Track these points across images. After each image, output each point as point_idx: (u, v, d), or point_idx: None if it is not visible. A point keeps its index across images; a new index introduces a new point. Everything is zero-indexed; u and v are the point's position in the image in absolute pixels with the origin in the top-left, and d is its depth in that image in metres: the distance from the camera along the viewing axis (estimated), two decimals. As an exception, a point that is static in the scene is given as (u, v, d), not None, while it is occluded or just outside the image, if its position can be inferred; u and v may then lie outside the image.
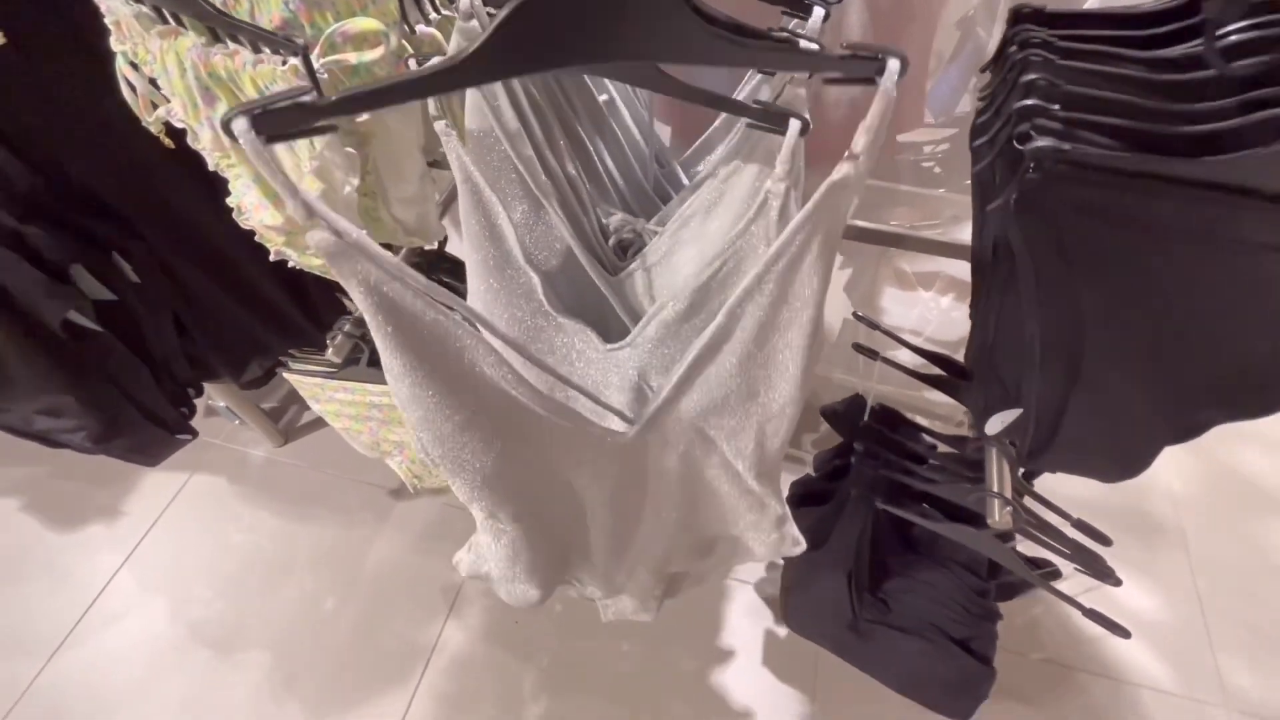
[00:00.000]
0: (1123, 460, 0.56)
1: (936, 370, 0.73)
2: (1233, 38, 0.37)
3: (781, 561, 1.07)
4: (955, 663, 0.79)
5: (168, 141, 0.61)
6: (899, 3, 0.64)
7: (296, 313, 1.00)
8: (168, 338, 0.90)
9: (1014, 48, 0.41)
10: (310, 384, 0.86)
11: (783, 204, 0.44)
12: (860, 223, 0.82)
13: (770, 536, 0.62)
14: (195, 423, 1.08)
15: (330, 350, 0.77)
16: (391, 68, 0.50)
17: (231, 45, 0.47)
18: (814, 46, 0.45)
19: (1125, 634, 0.66)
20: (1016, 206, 0.36)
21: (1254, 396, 0.44)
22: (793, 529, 0.62)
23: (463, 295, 0.96)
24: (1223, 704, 1.07)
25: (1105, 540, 0.70)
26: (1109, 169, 0.32)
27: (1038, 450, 0.53)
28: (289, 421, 1.49)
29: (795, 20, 0.52)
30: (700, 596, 1.22)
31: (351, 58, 0.46)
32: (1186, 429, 0.51)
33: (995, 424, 0.51)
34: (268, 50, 0.45)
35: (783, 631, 1.16)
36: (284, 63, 0.45)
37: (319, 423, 1.49)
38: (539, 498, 0.57)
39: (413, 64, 0.49)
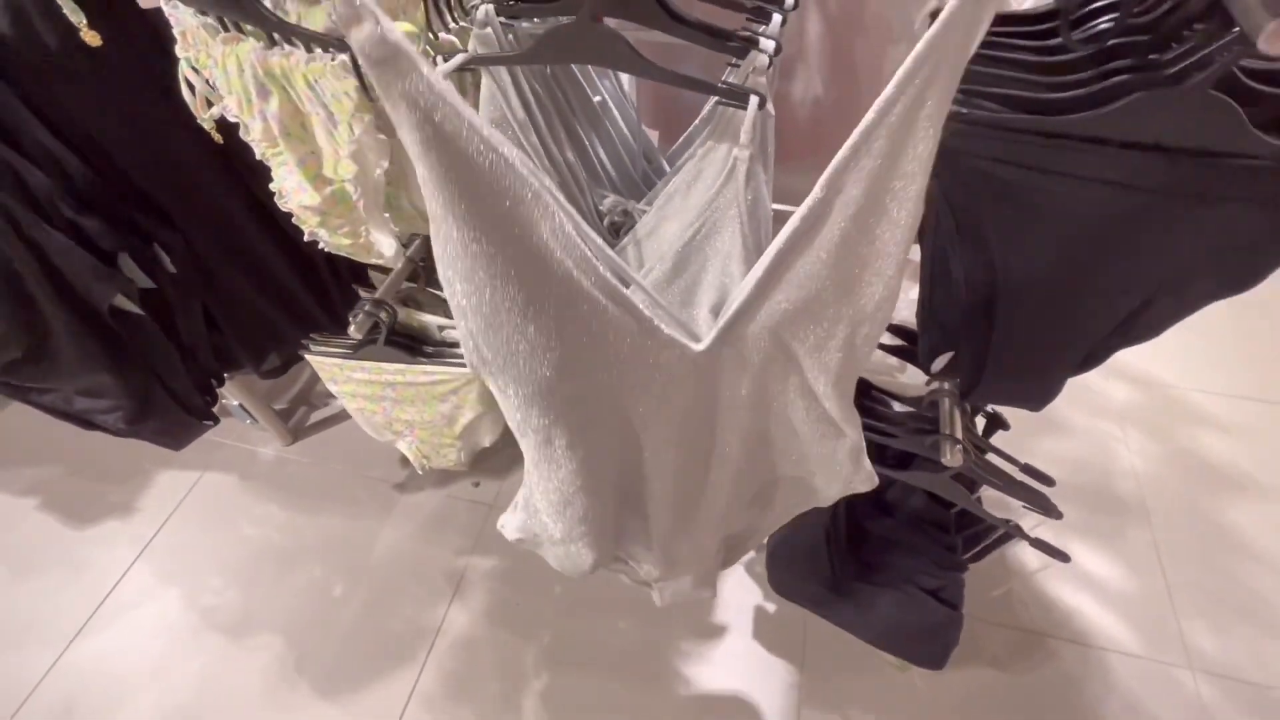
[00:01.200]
0: (1039, 390, 0.64)
1: (899, 342, 0.82)
2: (1101, 26, 0.47)
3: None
4: (926, 611, 0.86)
5: (217, 136, 0.70)
6: (850, 16, 0.75)
7: (315, 306, 1.08)
8: (197, 326, 0.98)
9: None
10: (330, 365, 0.94)
11: (749, 169, 0.53)
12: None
13: (843, 471, 0.56)
14: (207, 426, 1.15)
15: (352, 327, 0.85)
16: (420, 66, 0.59)
17: (288, 47, 0.56)
18: (771, 44, 0.55)
19: (1065, 558, 0.73)
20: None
21: (1143, 324, 0.52)
22: (867, 462, 0.56)
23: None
24: (1187, 665, 1.14)
25: (1049, 481, 0.78)
26: (994, 125, 0.42)
27: (972, 385, 0.61)
28: (298, 421, 1.56)
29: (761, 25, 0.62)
30: (693, 577, 1.28)
31: (388, 56, 0.55)
32: (1087, 358, 0.59)
33: (938, 363, 0.59)
34: (319, 50, 0.55)
35: (772, 606, 1.22)
36: (333, 59, 0.54)
37: (326, 422, 1.56)
38: (598, 425, 0.51)
39: (439, 61, 0.58)
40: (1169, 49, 0.42)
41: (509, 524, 0.68)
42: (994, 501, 0.98)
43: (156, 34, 0.66)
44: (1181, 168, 0.41)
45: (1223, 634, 1.17)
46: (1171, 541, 1.28)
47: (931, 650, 0.88)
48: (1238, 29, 0.35)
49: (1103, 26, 0.47)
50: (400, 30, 0.58)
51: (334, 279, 1.08)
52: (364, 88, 0.56)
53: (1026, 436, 1.45)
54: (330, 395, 1.58)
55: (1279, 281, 1.66)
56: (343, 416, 1.56)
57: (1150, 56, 0.42)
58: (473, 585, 1.28)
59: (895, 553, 0.90)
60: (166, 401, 0.98)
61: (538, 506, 0.63)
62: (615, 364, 0.46)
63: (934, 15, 0.31)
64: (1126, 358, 1.55)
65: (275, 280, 1.01)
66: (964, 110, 0.43)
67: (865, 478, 0.57)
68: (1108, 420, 1.47)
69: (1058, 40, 0.47)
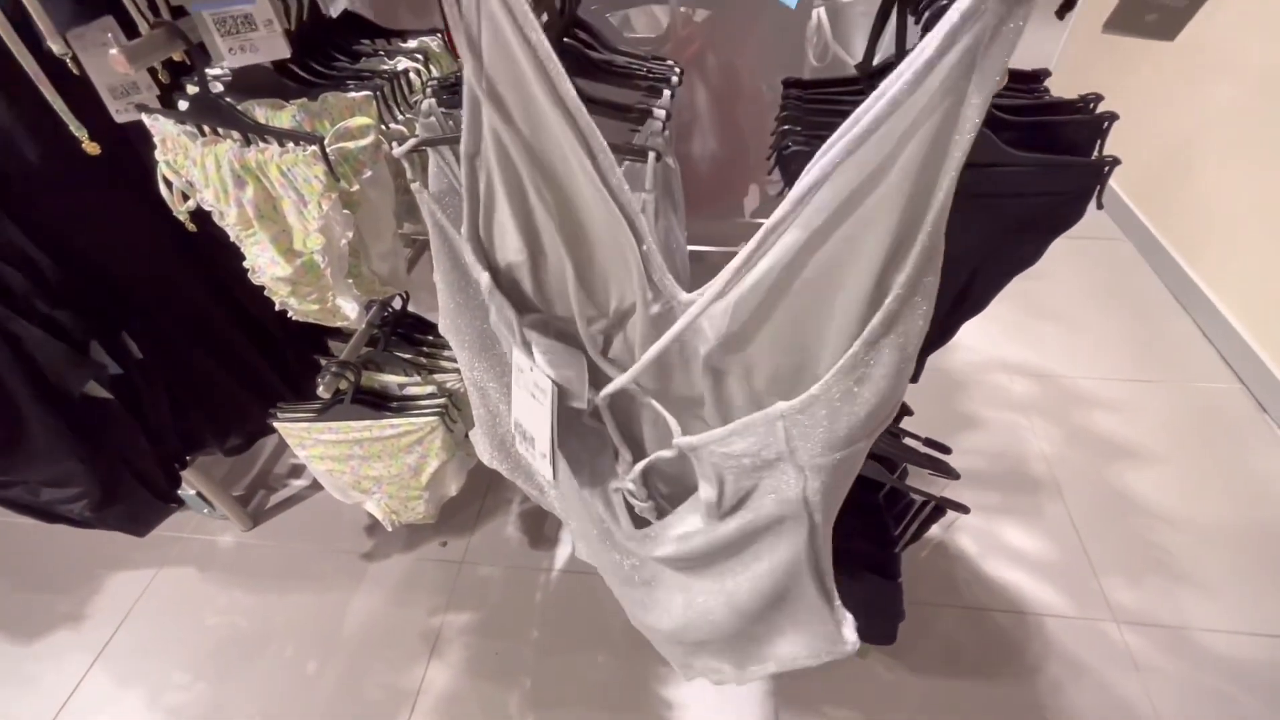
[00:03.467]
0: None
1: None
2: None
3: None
4: (868, 585, 0.95)
5: (191, 226, 0.78)
6: (728, 84, 0.92)
7: (276, 379, 1.14)
8: (162, 408, 1.02)
9: (782, 103, 0.66)
10: (298, 429, 1.00)
11: (656, 209, 0.66)
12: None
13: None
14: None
15: (320, 388, 0.92)
16: (376, 151, 0.71)
17: (262, 144, 0.67)
18: (663, 112, 0.70)
19: (965, 510, 0.84)
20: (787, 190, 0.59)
21: (971, 299, 0.67)
22: None
23: (426, 343, 1.12)
24: (1111, 618, 1.27)
25: (946, 449, 0.91)
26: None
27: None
28: (256, 505, 1.56)
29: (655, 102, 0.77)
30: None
31: (351, 144, 0.67)
32: (941, 333, 0.73)
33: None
34: (291, 144, 0.66)
35: (740, 620, 1.29)
36: (305, 149, 0.65)
37: (287, 503, 1.57)
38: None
39: (394, 148, 0.69)
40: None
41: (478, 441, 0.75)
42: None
43: (129, 142, 0.75)
44: (969, 175, 0.56)
45: (1138, 586, 1.31)
46: (1083, 511, 1.44)
47: (883, 625, 0.97)
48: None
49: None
50: (356, 123, 0.70)
51: (293, 351, 1.15)
52: (331, 171, 0.66)
53: (947, 432, 1.60)
54: (290, 476, 1.61)
55: (1142, 277, 1.95)
56: (303, 496, 1.57)
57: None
58: (449, 642, 1.29)
59: (835, 538, 1.00)
60: (133, 485, 1.00)
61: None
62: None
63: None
64: (1021, 357, 1.76)
65: (238, 357, 1.07)
66: (806, 148, 0.58)
67: None
68: (1014, 412, 1.65)
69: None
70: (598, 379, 0.60)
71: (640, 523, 0.71)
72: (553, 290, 0.58)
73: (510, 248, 0.55)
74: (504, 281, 0.58)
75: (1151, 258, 2.03)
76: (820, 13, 0.91)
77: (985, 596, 1.31)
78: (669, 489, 0.71)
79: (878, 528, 1.00)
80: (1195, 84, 1.84)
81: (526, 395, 0.60)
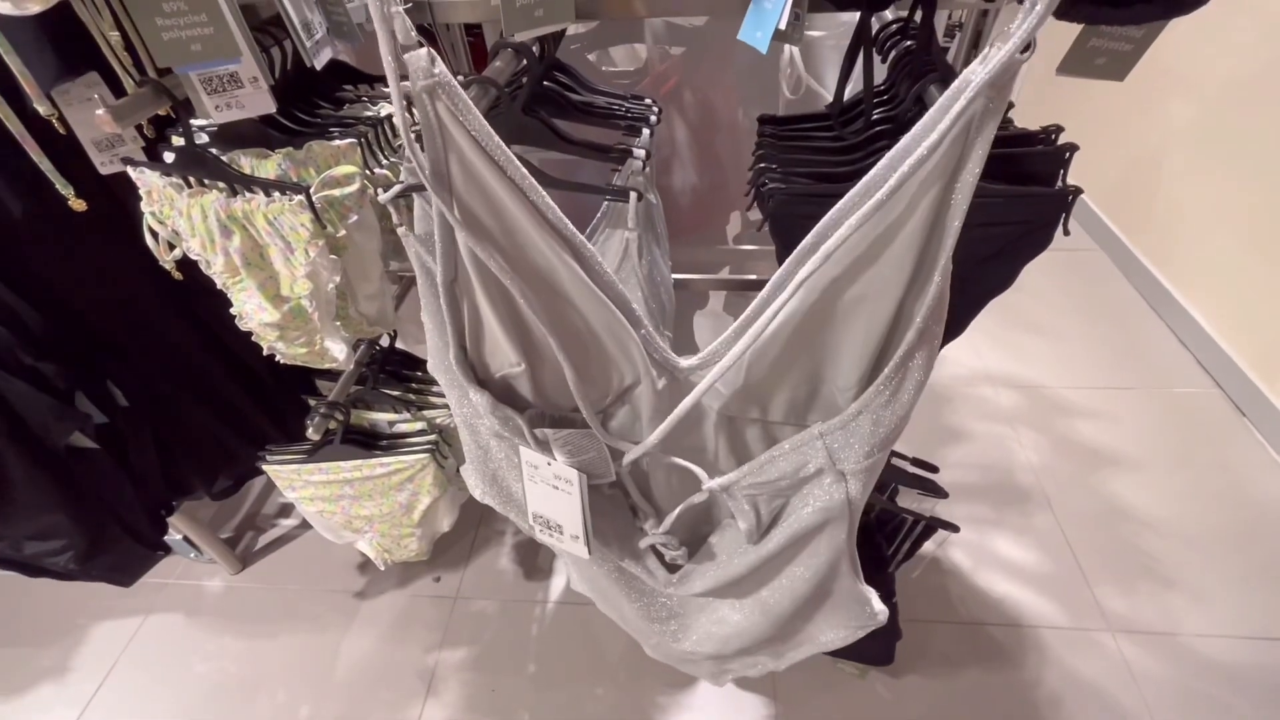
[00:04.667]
0: None
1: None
2: (858, 124, 0.66)
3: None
4: (865, 607, 0.96)
5: (178, 274, 0.79)
6: (705, 117, 0.95)
7: (264, 421, 1.13)
8: (149, 456, 1.01)
9: (757, 140, 0.69)
10: (288, 472, 0.99)
11: (639, 245, 0.67)
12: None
13: None
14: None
15: (310, 429, 0.91)
16: (361, 196, 0.72)
17: (249, 194, 0.68)
18: (642, 152, 0.72)
19: (954, 528, 0.85)
20: (769, 223, 0.60)
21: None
22: None
23: (415, 379, 1.12)
24: (1106, 628, 1.27)
25: (933, 468, 0.93)
26: (805, 193, 0.58)
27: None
28: (244, 548, 1.54)
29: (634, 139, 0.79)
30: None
31: (336, 192, 0.68)
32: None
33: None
34: (277, 194, 0.66)
35: (738, 644, 1.28)
36: (291, 199, 0.66)
37: (276, 544, 1.55)
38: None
39: (379, 193, 0.71)
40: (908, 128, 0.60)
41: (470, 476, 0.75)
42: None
43: (114, 195, 0.76)
44: (940, 208, 0.58)
45: (1130, 594, 1.32)
46: (1072, 521, 1.45)
47: (881, 645, 0.98)
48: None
49: (859, 124, 0.66)
50: (341, 171, 0.71)
51: (280, 392, 1.14)
52: (317, 219, 0.67)
53: (935, 447, 1.62)
54: (278, 516, 1.59)
55: (1116, 288, 1.99)
56: (293, 535, 1.55)
57: (897, 136, 0.59)
58: (445, 680, 1.27)
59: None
60: (119, 535, 0.99)
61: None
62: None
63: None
64: (1005, 370, 1.78)
65: (224, 401, 1.06)
66: (783, 185, 0.60)
67: None
68: (1000, 424, 1.67)
69: (836, 133, 0.65)
70: (611, 451, 0.61)
71: (672, 569, 0.72)
72: (551, 388, 0.59)
73: (505, 361, 0.56)
74: (498, 390, 0.59)
75: (1125, 266, 2.08)
76: (792, 49, 0.94)
77: (980, 611, 1.32)
78: (686, 532, 0.72)
79: (871, 548, 1.01)
80: (1158, 100, 1.90)
81: (546, 489, 0.61)
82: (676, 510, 0.62)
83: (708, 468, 0.59)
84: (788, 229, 0.61)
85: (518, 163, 0.44)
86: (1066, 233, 0.58)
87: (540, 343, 0.53)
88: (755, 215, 0.70)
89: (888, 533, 1.01)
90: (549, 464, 0.59)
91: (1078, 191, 0.55)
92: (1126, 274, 2.07)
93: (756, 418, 0.56)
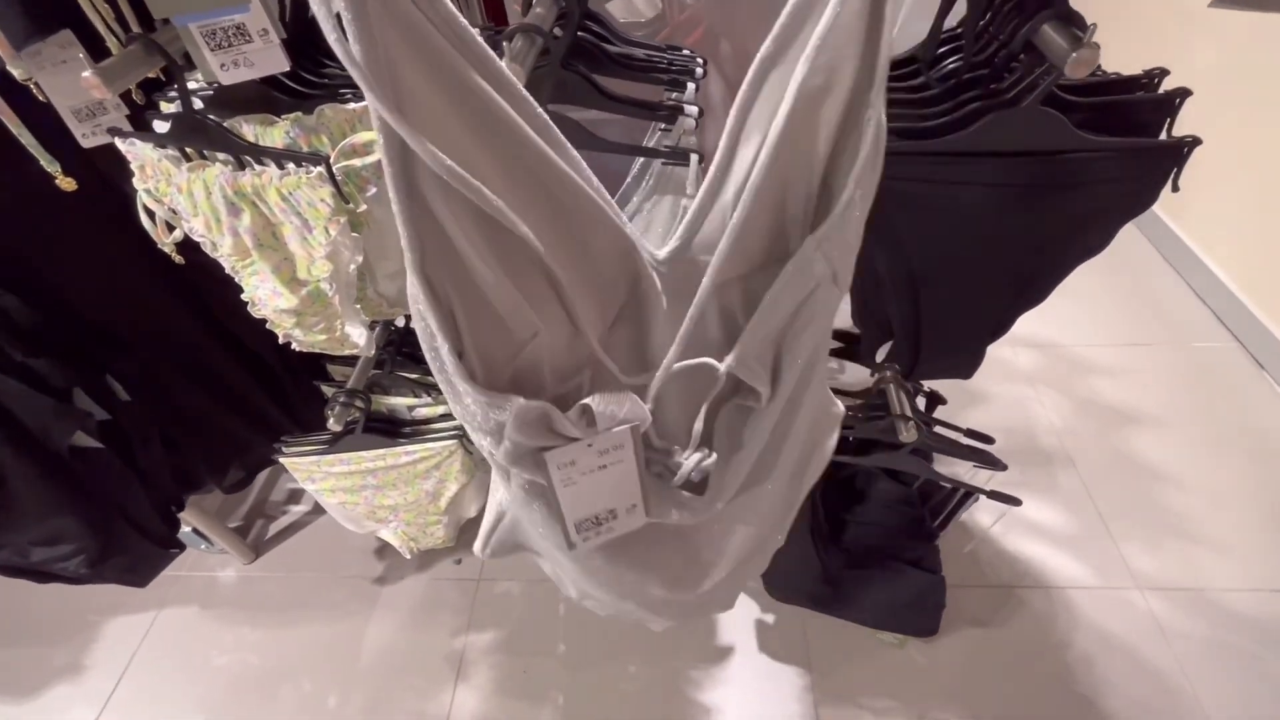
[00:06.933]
0: (967, 359, 0.75)
1: (838, 344, 0.92)
2: (950, 66, 0.60)
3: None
4: (911, 581, 0.94)
5: (178, 258, 0.71)
6: (743, 69, 0.87)
7: (275, 410, 1.07)
8: (156, 451, 0.95)
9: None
10: (306, 464, 0.93)
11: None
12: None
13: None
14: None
15: (331, 420, 0.86)
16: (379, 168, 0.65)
17: (259, 167, 0.60)
18: (695, 109, 0.65)
19: (1017, 502, 0.83)
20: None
21: (1034, 289, 0.64)
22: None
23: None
24: (1135, 586, 1.28)
25: (989, 439, 0.90)
26: (889, 151, 0.52)
27: (912, 366, 0.71)
28: (256, 536, 1.49)
29: (675, 94, 0.72)
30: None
31: (357, 162, 0.61)
32: (997, 325, 0.71)
33: (881, 353, 0.69)
34: (292, 165, 0.59)
35: (770, 617, 1.27)
36: (309, 171, 0.58)
37: (289, 530, 1.50)
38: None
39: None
40: (1003, 79, 0.54)
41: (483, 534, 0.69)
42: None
43: (108, 169, 0.68)
44: (1036, 165, 0.53)
45: (1157, 551, 1.32)
46: (1096, 480, 1.45)
47: (924, 617, 0.96)
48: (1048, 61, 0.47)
49: (952, 66, 0.59)
50: (362, 138, 0.63)
51: (291, 379, 1.08)
52: (339, 193, 0.60)
53: (958, 410, 1.60)
54: (289, 503, 1.54)
55: (1132, 244, 1.95)
56: (305, 522, 1.51)
57: (991, 86, 0.54)
58: (474, 664, 1.25)
59: (873, 535, 0.98)
60: (130, 534, 0.93)
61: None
62: None
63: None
64: (1023, 330, 1.76)
65: (233, 390, 1.00)
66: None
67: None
68: (1021, 385, 1.65)
69: (921, 80, 0.59)
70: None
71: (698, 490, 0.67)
72: (566, 351, 0.52)
73: (515, 336, 0.48)
74: (524, 387, 0.51)
75: (1140, 221, 2.04)
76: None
77: (1009, 574, 1.31)
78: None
79: (915, 522, 0.98)
80: (1178, 41, 1.83)
81: (589, 479, 0.53)
82: (701, 413, 0.56)
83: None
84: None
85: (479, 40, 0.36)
86: (1175, 188, 0.53)
87: (538, 292, 0.47)
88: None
89: (932, 505, 0.99)
90: (588, 445, 0.52)
91: (1196, 142, 0.50)
92: (1142, 229, 2.03)
93: (742, 273, 0.51)
